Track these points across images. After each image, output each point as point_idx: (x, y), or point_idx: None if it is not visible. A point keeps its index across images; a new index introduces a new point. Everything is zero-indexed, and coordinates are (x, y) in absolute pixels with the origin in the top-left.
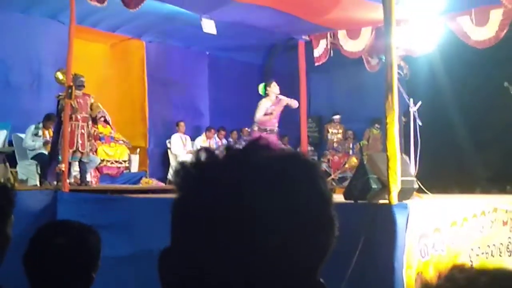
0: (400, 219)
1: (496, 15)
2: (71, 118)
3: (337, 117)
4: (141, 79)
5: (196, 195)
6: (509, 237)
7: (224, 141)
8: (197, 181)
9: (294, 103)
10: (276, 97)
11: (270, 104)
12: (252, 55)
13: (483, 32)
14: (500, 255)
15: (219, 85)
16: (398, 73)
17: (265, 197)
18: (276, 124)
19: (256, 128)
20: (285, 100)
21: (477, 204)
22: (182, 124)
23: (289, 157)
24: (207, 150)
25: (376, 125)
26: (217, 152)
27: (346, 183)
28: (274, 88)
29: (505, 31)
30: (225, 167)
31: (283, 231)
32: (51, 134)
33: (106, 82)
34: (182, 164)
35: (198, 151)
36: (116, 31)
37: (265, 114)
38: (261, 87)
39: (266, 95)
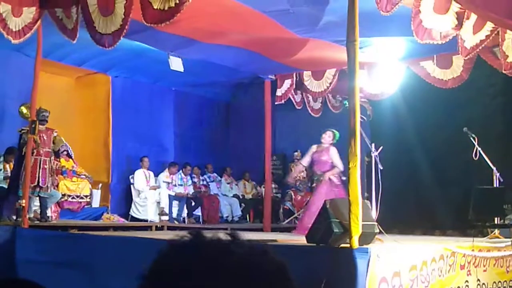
0: (360, 263)
1: (458, 60)
2: (33, 152)
3: (297, 153)
4: (105, 114)
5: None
6: (467, 281)
7: (189, 177)
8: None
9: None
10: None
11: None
12: (218, 92)
13: (448, 73)
14: None
15: (184, 121)
16: (361, 117)
17: None
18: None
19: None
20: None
21: (436, 249)
22: (146, 159)
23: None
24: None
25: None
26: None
27: None
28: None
29: (468, 73)
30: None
31: None
32: (12, 167)
33: (71, 115)
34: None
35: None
36: (82, 65)
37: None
38: (337, 136)
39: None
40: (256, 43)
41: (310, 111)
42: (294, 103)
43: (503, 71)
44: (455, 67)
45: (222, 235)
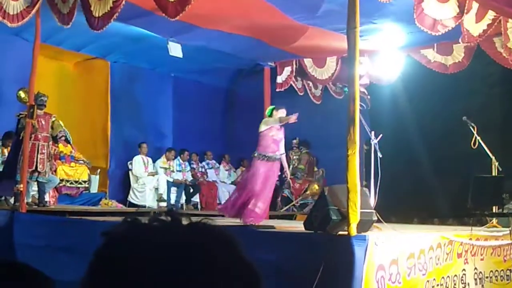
0: (358, 251)
1: (459, 47)
2: (31, 137)
3: (295, 141)
4: (104, 99)
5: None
6: (463, 269)
7: (187, 163)
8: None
9: (292, 118)
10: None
11: (275, 131)
12: (218, 79)
13: (449, 59)
14: (454, 287)
15: (183, 108)
16: (361, 104)
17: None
18: (278, 152)
19: (256, 155)
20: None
21: (433, 237)
22: (144, 145)
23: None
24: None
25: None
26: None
27: (307, 209)
28: (281, 114)
29: (469, 59)
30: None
31: None
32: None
33: (69, 101)
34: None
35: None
36: (81, 50)
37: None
38: (269, 109)
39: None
40: (256, 29)
41: (312, 97)
42: (296, 90)
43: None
44: (456, 54)
45: (162, 217)
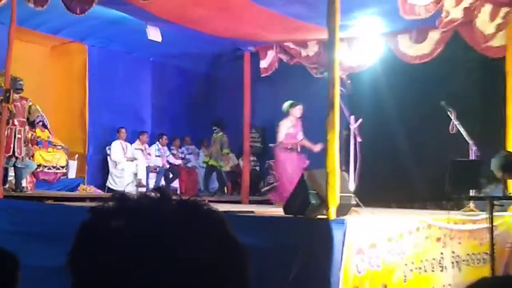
0: (337, 234)
1: (434, 34)
2: (7, 122)
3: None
4: (82, 84)
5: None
6: (442, 253)
7: (166, 148)
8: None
9: (315, 148)
10: (296, 119)
11: (290, 125)
12: (197, 64)
13: (419, 48)
14: (432, 270)
15: (162, 93)
16: (341, 89)
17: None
18: (296, 142)
19: (278, 150)
20: (306, 144)
21: (412, 221)
22: (123, 130)
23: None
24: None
25: (215, 128)
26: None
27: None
28: (297, 111)
29: (440, 49)
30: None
31: None
32: None
33: (46, 85)
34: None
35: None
36: (57, 34)
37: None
38: (286, 105)
39: (288, 114)
40: (235, 32)
41: None
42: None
43: (479, 47)
44: (427, 43)
45: (151, 194)
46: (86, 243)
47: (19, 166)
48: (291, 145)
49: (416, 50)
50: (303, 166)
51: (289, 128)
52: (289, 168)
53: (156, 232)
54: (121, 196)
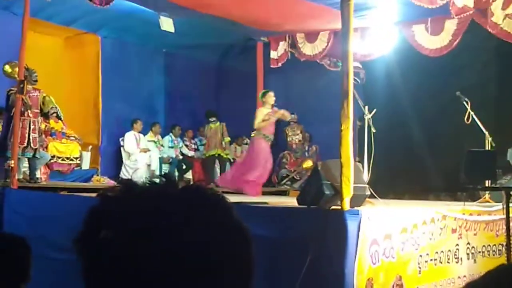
0: (351, 225)
1: (451, 24)
2: (22, 113)
3: (294, 116)
4: (95, 75)
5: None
6: (457, 244)
7: (179, 139)
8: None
9: (286, 115)
10: (272, 106)
11: (266, 112)
12: (210, 54)
13: (437, 41)
14: (448, 262)
15: (175, 83)
16: (355, 79)
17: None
18: (273, 132)
19: (253, 135)
20: (279, 113)
21: (427, 212)
22: (139, 122)
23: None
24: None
25: (212, 118)
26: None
27: (298, 184)
28: (269, 98)
29: (458, 40)
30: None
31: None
32: (0, 128)
33: (59, 76)
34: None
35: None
36: (71, 25)
37: (263, 121)
38: (260, 94)
39: (263, 102)
40: (247, 18)
41: None
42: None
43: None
44: (444, 34)
45: (156, 180)
46: (94, 226)
47: (33, 157)
48: (267, 133)
49: (434, 42)
50: (269, 157)
51: (265, 115)
52: (262, 156)
53: (162, 214)
54: (128, 182)
